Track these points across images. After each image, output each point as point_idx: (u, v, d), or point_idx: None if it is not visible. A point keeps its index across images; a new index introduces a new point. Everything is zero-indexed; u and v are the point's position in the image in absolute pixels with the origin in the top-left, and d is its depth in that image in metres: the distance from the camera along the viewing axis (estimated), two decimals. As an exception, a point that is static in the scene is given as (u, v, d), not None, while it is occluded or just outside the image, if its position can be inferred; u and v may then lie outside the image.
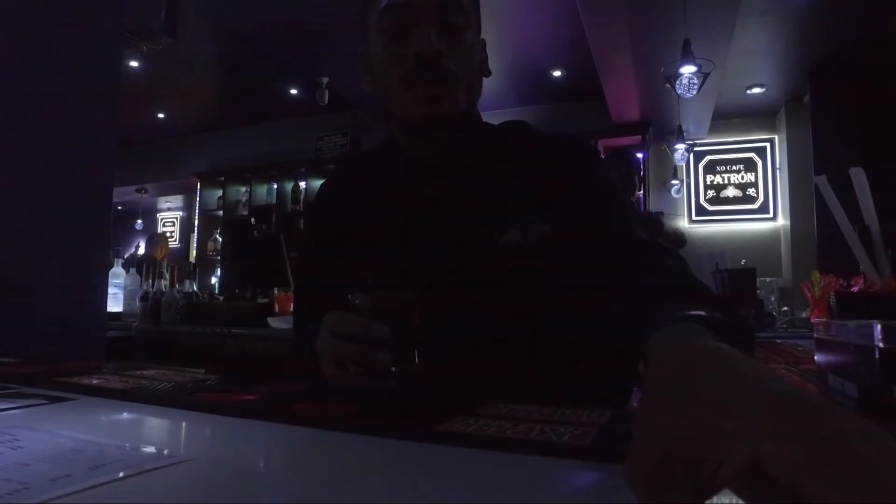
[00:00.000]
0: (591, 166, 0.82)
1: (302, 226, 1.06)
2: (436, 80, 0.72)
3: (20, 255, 1.52)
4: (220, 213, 6.32)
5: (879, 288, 0.72)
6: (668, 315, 0.46)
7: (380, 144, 0.91)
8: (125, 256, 3.81)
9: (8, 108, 1.53)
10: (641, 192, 2.31)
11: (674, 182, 4.90)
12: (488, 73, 0.82)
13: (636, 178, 2.29)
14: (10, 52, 1.54)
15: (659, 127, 4.81)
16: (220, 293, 3.59)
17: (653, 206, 5.07)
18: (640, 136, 4.78)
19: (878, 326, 0.54)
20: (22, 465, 0.41)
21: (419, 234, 0.79)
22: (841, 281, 0.76)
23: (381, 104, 0.81)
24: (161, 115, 6.25)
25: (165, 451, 0.52)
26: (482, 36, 0.83)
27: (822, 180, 0.82)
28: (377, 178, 0.87)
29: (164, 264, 2.99)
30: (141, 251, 6.14)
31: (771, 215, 5.03)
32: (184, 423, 0.65)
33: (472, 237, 0.77)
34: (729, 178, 5.18)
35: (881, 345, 0.53)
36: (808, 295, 0.87)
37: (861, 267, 0.76)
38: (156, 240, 4.89)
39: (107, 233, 1.83)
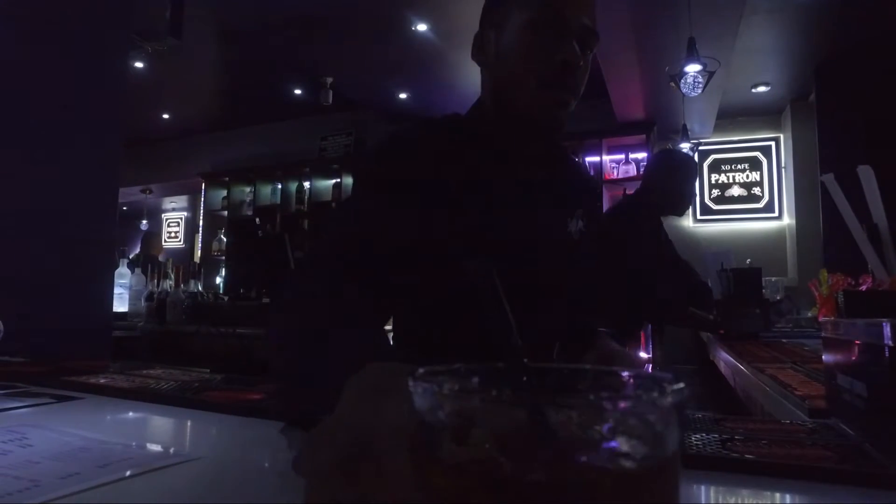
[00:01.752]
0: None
1: (362, 173, 0.90)
2: (567, 89, 0.80)
3: (27, 255, 1.53)
4: (225, 213, 6.34)
5: (888, 286, 0.72)
6: None
7: (461, 120, 0.92)
8: (130, 257, 3.83)
9: (14, 109, 1.54)
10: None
11: (678, 181, 4.89)
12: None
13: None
14: (17, 55, 1.55)
15: (663, 126, 4.79)
16: (224, 293, 3.60)
17: (657, 205, 5.06)
18: (644, 136, 4.76)
19: (888, 325, 0.53)
20: (32, 464, 0.41)
21: (508, 212, 0.84)
22: (849, 279, 0.76)
23: (489, 84, 0.89)
24: (166, 116, 6.27)
25: (172, 450, 0.52)
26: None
27: (829, 178, 0.81)
28: (473, 151, 0.86)
29: (169, 264, 3.00)
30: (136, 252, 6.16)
31: (776, 214, 5.00)
32: (190, 422, 0.65)
33: (550, 223, 0.90)
34: (734, 177, 5.15)
35: (890, 343, 0.53)
36: (816, 294, 0.87)
37: (869, 265, 0.76)
38: (149, 239, 4.92)
39: (112, 233, 1.84)
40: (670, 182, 2.14)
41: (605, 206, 4.79)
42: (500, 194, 0.85)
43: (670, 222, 5.32)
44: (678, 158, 2.25)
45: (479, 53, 0.92)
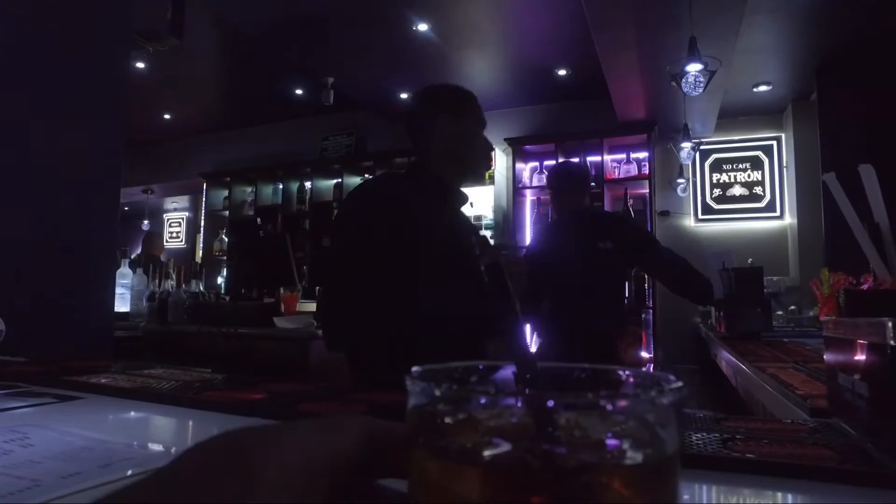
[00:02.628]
0: None
1: (342, 207, 1.37)
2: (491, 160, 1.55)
3: (28, 255, 1.53)
4: (226, 213, 6.35)
5: (890, 285, 0.71)
6: None
7: (417, 175, 1.45)
8: (132, 257, 3.83)
9: (15, 109, 1.54)
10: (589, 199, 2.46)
11: (680, 181, 4.88)
12: None
13: (585, 186, 2.42)
14: (18, 56, 1.55)
15: (665, 125, 4.79)
16: (226, 293, 3.61)
17: (659, 205, 5.05)
18: (645, 135, 4.75)
19: (889, 324, 0.53)
20: (33, 463, 0.41)
21: (458, 225, 1.42)
22: (850, 278, 0.75)
23: (446, 152, 1.42)
24: (167, 116, 6.28)
25: (173, 450, 0.52)
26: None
27: (830, 177, 0.81)
28: (427, 199, 1.37)
29: (171, 264, 3.00)
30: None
31: (778, 214, 4.99)
32: (191, 422, 0.65)
33: (469, 233, 1.50)
34: (735, 176, 5.14)
35: (892, 343, 0.53)
36: (817, 293, 0.87)
37: (871, 264, 0.76)
38: (151, 239, 4.94)
39: (114, 233, 1.84)
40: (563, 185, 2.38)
41: (607, 205, 4.79)
42: (450, 216, 1.41)
43: (672, 222, 5.27)
44: (573, 171, 2.50)
45: (430, 130, 1.41)
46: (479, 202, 5.04)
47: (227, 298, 3.08)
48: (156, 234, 5.46)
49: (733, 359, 1.59)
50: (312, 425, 0.21)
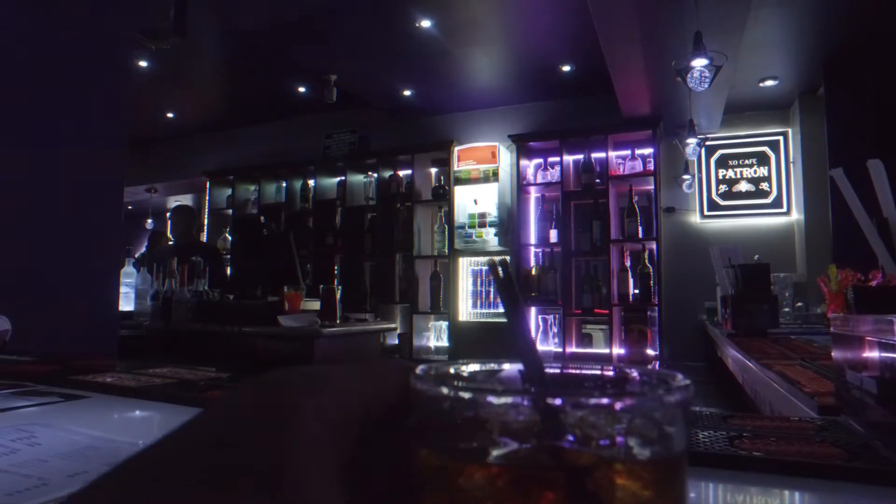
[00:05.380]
0: None
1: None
2: None
3: (33, 256, 1.54)
4: (230, 211, 6.37)
5: (898, 282, 0.71)
6: None
7: None
8: (136, 256, 3.85)
9: (19, 109, 1.55)
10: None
11: (685, 177, 4.85)
12: None
13: None
14: (21, 56, 1.56)
15: (670, 121, 4.76)
16: (229, 292, 3.62)
17: (664, 201, 5.02)
18: (650, 131, 4.73)
19: (898, 321, 0.53)
20: (40, 462, 0.41)
21: None
22: (858, 275, 0.75)
23: None
24: (170, 115, 6.30)
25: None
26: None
27: (838, 173, 0.80)
28: None
29: (174, 263, 3.01)
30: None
31: (784, 210, 4.96)
32: (197, 420, 0.65)
33: None
34: (741, 172, 5.11)
35: (901, 339, 0.52)
36: (825, 289, 0.86)
37: (879, 260, 0.75)
38: (157, 238, 4.98)
39: (118, 233, 1.85)
40: None
41: (612, 202, 4.77)
42: None
43: (678, 219, 5.28)
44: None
45: None
46: (483, 199, 5.03)
47: (231, 297, 3.09)
48: (161, 234, 5.49)
49: (740, 356, 1.58)
50: (357, 370, 0.22)
